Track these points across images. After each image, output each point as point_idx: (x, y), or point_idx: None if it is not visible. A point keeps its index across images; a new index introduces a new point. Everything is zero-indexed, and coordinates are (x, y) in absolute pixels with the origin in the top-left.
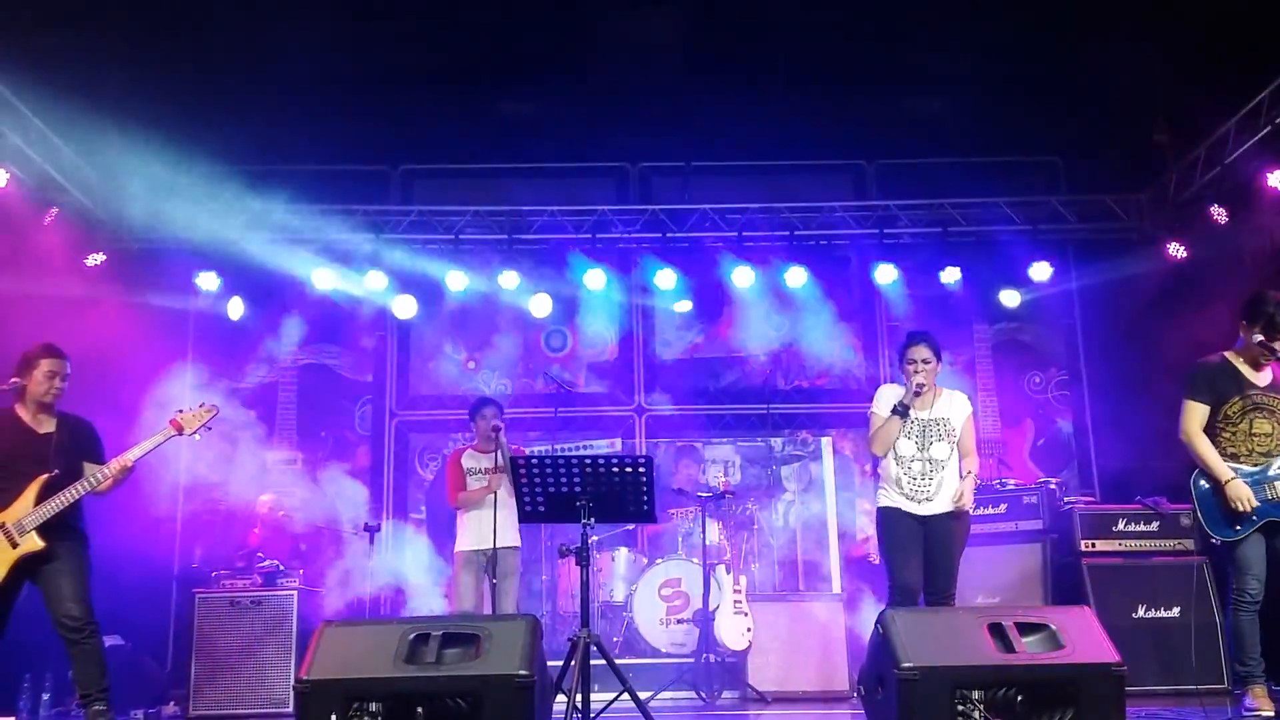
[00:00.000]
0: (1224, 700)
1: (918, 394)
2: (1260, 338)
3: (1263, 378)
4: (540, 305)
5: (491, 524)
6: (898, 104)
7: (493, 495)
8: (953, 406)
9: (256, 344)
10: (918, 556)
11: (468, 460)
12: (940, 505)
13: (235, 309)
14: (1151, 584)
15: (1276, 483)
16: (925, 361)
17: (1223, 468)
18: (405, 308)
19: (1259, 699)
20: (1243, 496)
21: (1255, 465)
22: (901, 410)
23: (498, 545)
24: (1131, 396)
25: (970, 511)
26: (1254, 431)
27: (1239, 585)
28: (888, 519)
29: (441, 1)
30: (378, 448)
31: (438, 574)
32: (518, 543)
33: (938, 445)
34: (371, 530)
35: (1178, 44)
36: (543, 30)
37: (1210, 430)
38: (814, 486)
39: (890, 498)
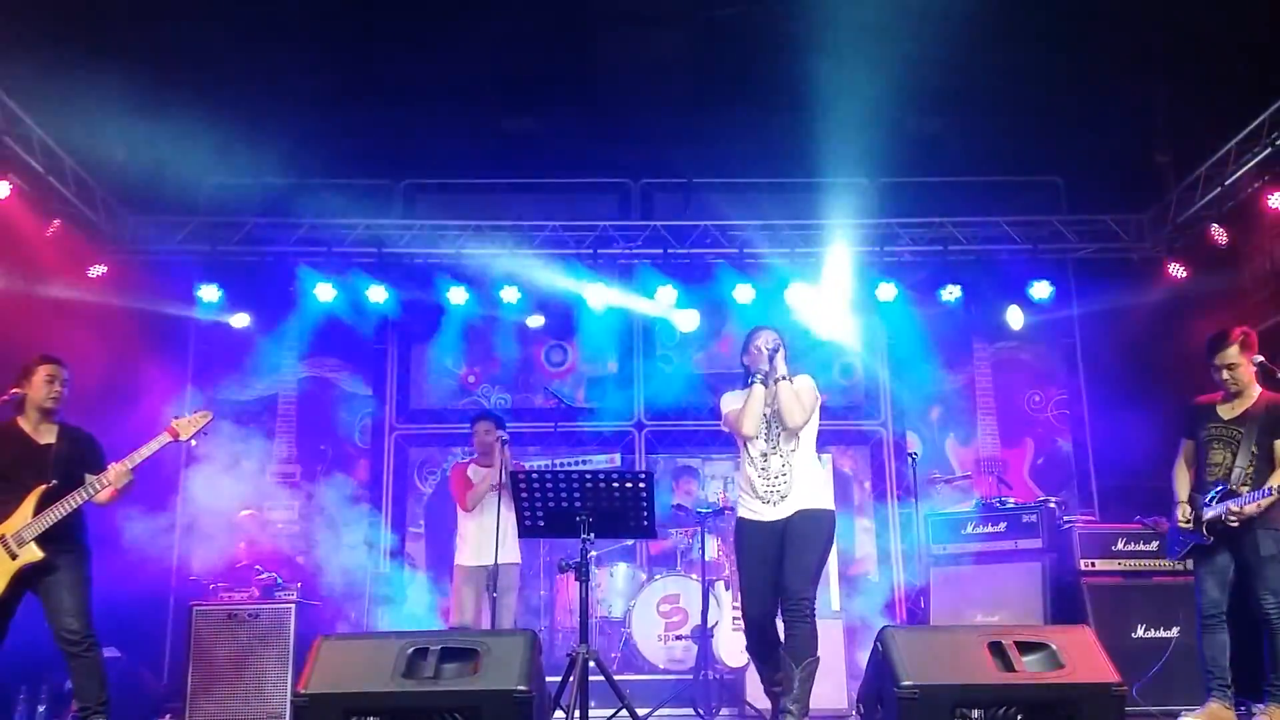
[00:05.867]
0: None
1: (771, 358)
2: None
3: (1230, 410)
4: (541, 320)
5: (494, 538)
6: (900, 123)
7: (496, 509)
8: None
9: (257, 356)
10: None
11: (471, 473)
12: (793, 505)
13: (236, 321)
14: (1151, 604)
15: (1205, 511)
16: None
17: (1177, 492)
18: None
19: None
20: (1180, 517)
21: (1208, 493)
22: (764, 378)
23: (499, 561)
24: (1131, 416)
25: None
26: (1209, 461)
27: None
28: (737, 531)
29: (446, 18)
30: (377, 461)
31: (436, 588)
32: (518, 559)
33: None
34: (371, 544)
35: (1179, 65)
36: (546, 47)
37: (1199, 461)
38: None
39: (744, 505)
